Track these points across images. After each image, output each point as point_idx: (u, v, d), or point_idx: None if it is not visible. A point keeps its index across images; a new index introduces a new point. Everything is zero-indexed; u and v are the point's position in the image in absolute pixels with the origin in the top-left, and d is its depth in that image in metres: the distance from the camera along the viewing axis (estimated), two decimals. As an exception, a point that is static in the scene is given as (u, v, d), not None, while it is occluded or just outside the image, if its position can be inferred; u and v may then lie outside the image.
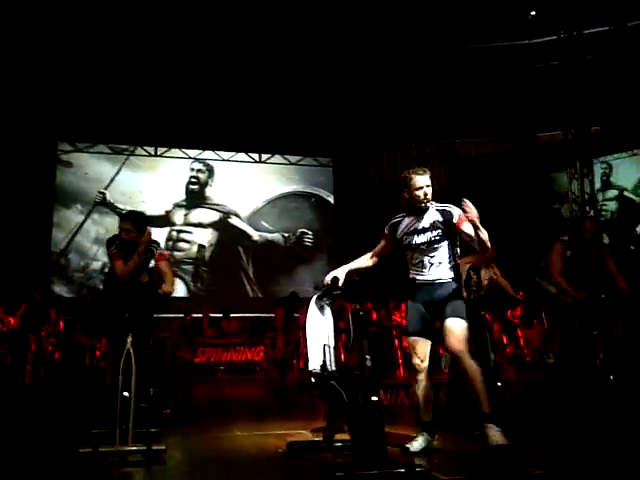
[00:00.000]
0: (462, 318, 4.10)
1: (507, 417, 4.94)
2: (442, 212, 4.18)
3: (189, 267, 12.74)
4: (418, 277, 4.19)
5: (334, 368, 4.19)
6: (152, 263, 5.09)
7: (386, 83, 10.61)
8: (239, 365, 10.25)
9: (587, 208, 8.58)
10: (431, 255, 4.17)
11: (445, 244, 4.19)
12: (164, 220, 12.71)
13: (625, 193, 10.32)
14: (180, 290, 12.26)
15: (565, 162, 9.29)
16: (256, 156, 13.30)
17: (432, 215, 4.19)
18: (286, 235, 13.15)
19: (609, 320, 5.27)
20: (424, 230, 4.19)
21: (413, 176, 4.14)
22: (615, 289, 5.36)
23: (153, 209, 12.32)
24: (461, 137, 11.16)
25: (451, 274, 4.18)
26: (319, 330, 4.37)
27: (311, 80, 10.80)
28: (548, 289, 5.47)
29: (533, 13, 9.16)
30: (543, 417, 5.65)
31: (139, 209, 10.17)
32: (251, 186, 13.20)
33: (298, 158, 13.40)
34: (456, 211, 4.16)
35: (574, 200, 8.98)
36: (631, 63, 8.82)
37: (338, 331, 4.51)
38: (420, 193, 4.13)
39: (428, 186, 4.14)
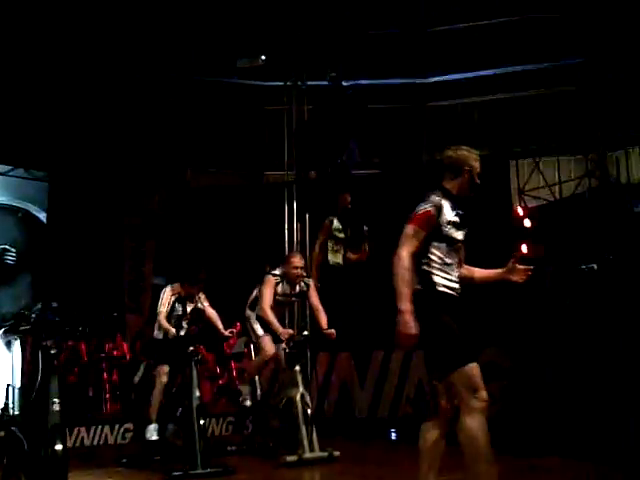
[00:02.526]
0: None
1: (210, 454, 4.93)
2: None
3: None
4: (449, 284, 3.19)
5: (17, 412, 3.71)
6: None
7: (108, 103, 10.15)
8: None
9: (298, 248, 9.11)
10: (459, 257, 3.30)
11: None
12: None
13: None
14: None
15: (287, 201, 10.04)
16: (-45, 161, 11.58)
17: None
18: (-17, 252, 11.62)
19: (311, 355, 5.63)
20: (464, 224, 3.28)
21: (477, 157, 3.27)
22: (317, 323, 5.75)
23: None
24: (192, 167, 11.19)
25: None
26: (3, 368, 3.85)
27: (28, 93, 9.83)
28: (255, 329, 5.65)
29: (264, 57, 9.61)
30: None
31: None
32: (-56, 194, 11.42)
33: (7, 168, 12.00)
34: None
35: (289, 239, 9.51)
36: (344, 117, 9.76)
37: (32, 369, 4.04)
38: (478, 180, 3.26)
39: None
